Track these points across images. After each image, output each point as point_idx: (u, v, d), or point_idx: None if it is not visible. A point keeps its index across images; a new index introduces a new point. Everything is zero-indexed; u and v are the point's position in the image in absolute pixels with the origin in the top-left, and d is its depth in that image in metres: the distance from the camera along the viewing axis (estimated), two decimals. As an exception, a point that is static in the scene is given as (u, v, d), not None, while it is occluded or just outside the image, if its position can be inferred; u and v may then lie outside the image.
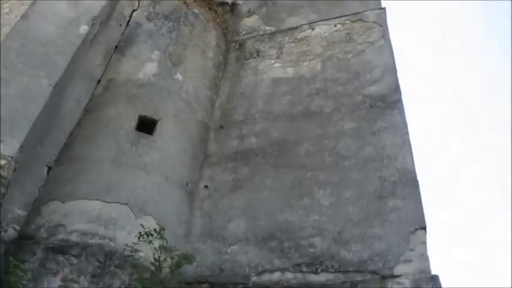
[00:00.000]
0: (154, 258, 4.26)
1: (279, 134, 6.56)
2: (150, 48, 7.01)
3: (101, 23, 6.40)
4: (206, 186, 6.29)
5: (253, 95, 7.37)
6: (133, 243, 4.56)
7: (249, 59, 8.15)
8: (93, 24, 5.45)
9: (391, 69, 6.69)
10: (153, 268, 4.29)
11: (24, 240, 4.74)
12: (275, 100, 7.12)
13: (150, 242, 4.24)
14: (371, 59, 7.03)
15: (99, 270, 4.43)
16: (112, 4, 6.69)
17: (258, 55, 8.14)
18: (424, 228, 4.81)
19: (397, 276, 4.49)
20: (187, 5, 8.03)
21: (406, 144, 5.66)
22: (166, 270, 4.36)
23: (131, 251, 4.49)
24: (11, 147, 4.01)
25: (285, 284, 4.86)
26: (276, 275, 5.00)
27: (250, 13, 9.38)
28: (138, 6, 7.96)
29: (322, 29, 8.01)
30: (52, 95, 4.67)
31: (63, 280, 4.32)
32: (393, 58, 6.87)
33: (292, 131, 6.51)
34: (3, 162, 3.90)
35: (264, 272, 5.08)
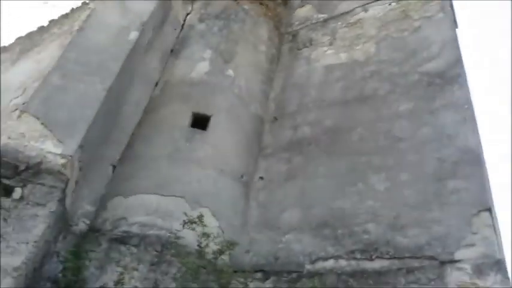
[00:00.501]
0: (198, 245, 4.40)
1: (331, 121, 6.42)
2: (202, 48, 7.26)
3: (153, 28, 6.76)
4: (261, 178, 6.36)
5: (306, 85, 7.29)
6: (176, 230, 4.79)
7: (301, 49, 8.07)
8: (143, 29, 5.79)
9: (451, 43, 6.21)
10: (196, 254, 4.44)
11: (92, 232, 5.19)
12: (328, 87, 6.97)
13: (193, 229, 4.39)
14: (428, 34, 6.58)
15: (156, 259, 4.70)
16: (164, 9, 7.03)
17: (311, 44, 8.02)
18: (489, 209, 4.41)
19: (457, 261, 4.17)
20: (238, 3, 8.18)
21: (469, 121, 5.22)
22: (210, 256, 4.49)
23: (175, 238, 4.70)
24: (69, 147, 4.42)
25: (339, 272, 4.74)
26: (330, 263, 4.90)
27: (303, 3, 9.27)
28: (191, 10, 8.30)
29: (376, 10, 7.67)
30: (107, 98, 5.06)
31: (124, 268, 4.65)
32: (454, 31, 6.38)
33: (345, 117, 6.33)
34: (63, 161, 4.31)
35: (317, 259, 5.01)
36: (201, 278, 4.77)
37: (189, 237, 5.04)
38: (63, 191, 4.31)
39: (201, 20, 7.84)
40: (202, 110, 6.41)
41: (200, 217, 4.48)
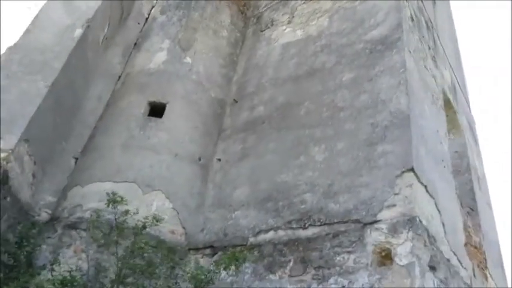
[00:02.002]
0: (117, 221, 4.66)
1: (283, 97, 6.51)
2: (161, 38, 7.48)
3: (110, 24, 7.02)
4: (219, 159, 6.54)
5: (265, 65, 7.39)
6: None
7: (264, 30, 8.15)
8: (88, 26, 6.03)
9: (394, 8, 6.16)
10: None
11: (52, 221, 5.55)
12: (283, 65, 7.05)
13: (115, 207, 4.64)
14: (376, 2, 6.53)
15: (102, 241, 5.00)
16: (121, 5, 7.25)
17: (272, 24, 8.09)
18: (411, 169, 4.43)
19: (376, 222, 4.24)
20: (199, -10, 8.31)
21: (402, 85, 5.21)
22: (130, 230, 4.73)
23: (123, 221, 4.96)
24: (9, 142, 4.76)
25: (276, 242, 4.90)
26: (270, 234, 5.06)
27: (269, -16, 9.30)
28: (156, 2, 8.51)
29: (332, -17, 7.63)
30: (51, 94, 5.37)
31: (75, 251, 4.99)
32: (398, -5, 6.29)
33: (295, 93, 6.41)
34: (3, 155, 4.66)
35: (260, 232, 5.17)
36: (152, 256, 5.06)
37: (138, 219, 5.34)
38: (6, 183, 4.66)
39: (162, 12, 8.05)
40: (159, 99, 6.65)
41: (121, 197, 4.71)
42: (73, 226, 5.27)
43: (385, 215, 4.27)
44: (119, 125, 6.38)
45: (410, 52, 5.84)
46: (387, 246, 4.00)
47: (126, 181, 5.73)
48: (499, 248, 7.70)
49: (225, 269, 4.40)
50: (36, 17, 5.86)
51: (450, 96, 7.84)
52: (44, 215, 5.67)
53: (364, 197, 4.56)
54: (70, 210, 5.56)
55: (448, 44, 10.24)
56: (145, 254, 4.71)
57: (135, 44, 7.77)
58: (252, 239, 5.18)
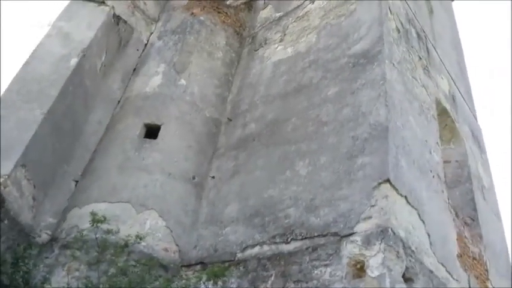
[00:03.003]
0: (98, 240, 4.83)
1: (273, 114, 6.64)
2: (157, 63, 7.78)
3: (108, 52, 7.38)
4: (213, 177, 6.69)
5: (258, 83, 7.56)
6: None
7: (258, 49, 8.35)
8: (83, 55, 6.38)
9: (377, 21, 6.25)
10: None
11: (51, 241, 5.80)
12: (274, 82, 7.20)
13: (98, 227, 4.82)
14: (360, 16, 6.66)
15: (95, 260, 5.18)
16: (118, 34, 7.61)
17: (266, 43, 8.28)
18: (387, 180, 4.46)
19: (352, 234, 4.27)
20: (194, 15, 8.63)
21: (381, 96, 5.27)
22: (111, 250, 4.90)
23: (116, 240, 5.15)
24: (6, 167, 5.06)
25: (261, 257, 4.97)
26: (256, 249, 5.13)
27: (265, 4, 9.55)
28: (155, 29, 8.87)
29: (321, 0, 7.80)
30: (48, 120, 5.68)
31: (68, 270, 5.20)
32: (380, 9, 6.39)
33: (284, 109, 6.54)
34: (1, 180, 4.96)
35: (247, 247, 5.26)
36: (143, 274, 5.22)
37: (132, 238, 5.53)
38: (2, 207, 4.94)
39: (159, 38, 8.39)
40: (153, 121, 6.90)
41: (104, 216, 4.90)
42: (68, 246, 5.49)
43: (361, 227, 4.30)
44: (115, 147, 6.64)
45: (393, 64, 5.90)
46: (361, 258, 4.02)
47: (120, 201, 5.94)
48: (507, 259, 7.48)
49: (204, 283, 4.48)
50: (35, 49, 6.25)
51: (447, 105, 7.79)
52: (44, 236, 5.92)
53: (343, 209, 4.60)
54: (67, 231, 5.80)
55: (450, 52, 10.20)
56: (134, 271, 4.84)
57: (134, 69, 8.10)
58: (239, 255, 5.27)
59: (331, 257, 4.26)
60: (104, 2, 7.20)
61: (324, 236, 4.55)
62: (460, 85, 9.70)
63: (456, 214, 6.39)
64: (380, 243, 3.97)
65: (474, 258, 6.10)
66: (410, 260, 4.14)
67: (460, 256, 5.61)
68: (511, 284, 7.05)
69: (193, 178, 6.61)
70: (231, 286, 4.91)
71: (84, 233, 5.36)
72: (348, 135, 5.25)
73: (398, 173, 4.68)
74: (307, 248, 4.57)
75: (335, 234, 4.46)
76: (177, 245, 5.96)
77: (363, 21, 6.51)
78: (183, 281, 5.38)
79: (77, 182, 6.58)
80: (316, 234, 4.64)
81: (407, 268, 4.05)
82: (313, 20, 7.59)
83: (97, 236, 5.15)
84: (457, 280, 5.11)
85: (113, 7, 7.33)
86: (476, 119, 9.74)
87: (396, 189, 4.51)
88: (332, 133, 5.48)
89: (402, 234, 4.25)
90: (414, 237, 4.52)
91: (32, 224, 5.85)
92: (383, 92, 5.29)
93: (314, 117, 5.93)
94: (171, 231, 6.00)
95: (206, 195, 6.53)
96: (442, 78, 8.24)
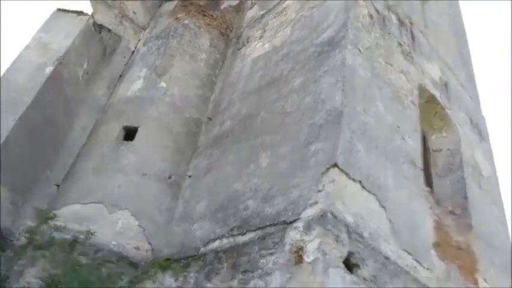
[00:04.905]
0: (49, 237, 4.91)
1: (246, 110, 6.60)
2: (140, 68, 7.92)
3: (91, 60, 7.60)
4: (189, 176, 6.70)
5: (238, 80, 7.54)
6: (88, 231, 5.35)
7: (241, 48, 8.35)
8: (60, 63, 6.59)
9: (343, 8, 6.11)
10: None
11: (27, 244, 5.96)
12: (251, 79, 7.17)
13: (48, 224, 4.90)
14: (330, 4, 6.53)
15: (63, 259, 5.29)
16: (89, 44, 7.76)
17: (248, 41, 8.28)
18: (335, 165, 4.30)
19: (295, 221, 4.14)
20: (179, 19, 8.76)
21: (339, 82, 5.11)
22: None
23: (85, 239, 5.25)
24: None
25: (219, 250, 4.89)
26: (216, 243, 5.07)
27: (252, 4, 9.57)
28: (142, 36, 9.07)
29: (298, -6, 7.73)
30: (21, 127, 5.90)
31: (39, 270, 5.32)
32: (348, -5, 6.25)
33: (256, 104, 6.48)
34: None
35: (209, 241, 5.20)
36: (114, 272, 5.28)
37: (101, 237, 5.62)
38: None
39: (144, 44, 8.56)
40: (132, 123, 7.00)
41: (54, 213, 4.98)
42: (40, 247, 5.62)
43: (307, 213, 4.15)
44: (94, 150, 6.79)
45: (359, 49, 5.73)
46: (301, 244, 3.87)
47: (93, 202, 6.04)
48: (509, 250, 7.00)
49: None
50: (14, 60, 6.53)
51: (436, 92, 7.47)
52: (23, 239, 6.09)
53: (294, 197, 4.47)
54: (42, 233, 5.93)
55: (449, 39, 9.84)
56: (89, 268, 4.89)
57: (120, 76, 8.29)
58: (202, 249, 5.21)
59: (276, 245, 4.14)
60: (82, 12, 7.42)
61: (275, 225, 4.43)
62: (460, 72, 9.31)
63: (437, 202, 6.08)
64: (317, 227, 3.81)
65: (459, 248, 5.76)
66: (357, 246, 3.95)
67: (437, 245, 5.30)
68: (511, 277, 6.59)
69: (170, 178, 6.64)
70: (190, 281, 4.85)
71: (55, 234, 5.51)
72: (307, 123, 5.12)
73: (351, 158, 4.50)
74: (258, 238, 4.46)
75: (284, 222, 4.34)
76: (149, 243, 5.98)
77: (331, 9, 6.39)
78: (151, 278, 5.40)
79: (58, 186, 6.76)
80: (268, 224, 4.52)
81: (352, 253, 3.87)
82: (290, 14, 7.52)
83: (68, 236, 5.28)
84: (428, 269, 4.82)
85: (92, 16, 7.55)
86: (479, 106, 9.29)
87: (347, 174, 4.33)
88: (294, 123, 5.36)
89: (350, 219, 4.07)
90: (369, 223, 4.31)
91: (11, 228, 6.04)
92: (341, 77, 5.13)
93: (280, 108, 5.83)
94: (144, 229, 6.02)
95: (182, 194, 6.53)
96: (431, 65, 7.93)
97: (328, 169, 4.32)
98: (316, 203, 4.16)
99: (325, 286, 3.46)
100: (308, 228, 3.91)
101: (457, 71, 9.06)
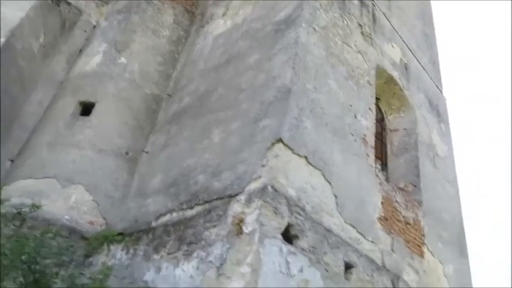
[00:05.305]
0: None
1: (204, 87, 6.59)
2: (100, 43, 7.78)
3: (49, 33, 7.41)
4: (146, 152, 6.69)
5: (200, 58, 7.50)
6: (37, 206, 5.30)
7: (204, 26, 8.28)
8: (12, 34, 6.42)
9: (301, -14, 6.10)
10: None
11: (-21, 219, 5.89)
12: (211, 56, 7.14)
13: None
14: (290, -17, 6.50)
15: (11, 232, 5.25)
16: (45, 16, 7.54)
17: (212, 19, 8.20)
18: (280, 140, 4.37)
19: (238, 194, 4.21)
20: (142, -6, 8.58)
21: (291, 59, 5.16)
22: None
23: (34, 213, 5.22)
24: None
25: (169, 224, 4.95)
26: (167, 217, 5.12)
27: (219, -19, 9.43)
28: (105, 11, 8.87)
29: (262, -29, 7.66)
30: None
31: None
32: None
33: (214, 80, 6.48)
34: None
35: (160, 216, 5.25)
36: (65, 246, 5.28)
37: (54, 211, 5.60)
38: None
39: (106, 18, 8.38)
40: (89, 98, 6.91)
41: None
42: (-10, 222, 5.57)
43: (251, 187, 4.23)
44: (49, 125, 6.69)
45: (314, 28, 5.77)
46: (242, 216, 3.96)
47: (46, 177, 5.99)
48: (460, 226, 7.30)
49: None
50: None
51: (394, 73, 7.60)
52: (-26, 216, 6.01)
53: (240, 172, 4.54)
54: (-7, 208, 5.88)
55: (414, 22, 9.96)
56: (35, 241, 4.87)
57: (81, 50, 8.13)
58: (153, 223, 5.26)
59: (220, 218, 4.22)
60: (38, -16, 7.21)
61: (222, 198, 4.50)
62: (423, 55, 9.48)
63: (391, 180, 6.27)
64: (258, 200, 3.90)
65: (407, 223, 5.97)
66: (296, 218, 4.06)
67: (384, 219, 5.49)
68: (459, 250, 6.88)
69: (127, 153, 6.61)
70: (139, 253, 4.90)
71: (6, 208, 5.44)
72: (259, 100, 5.17)
73: (297, 134, 4.59)
74: (204, 212, 4.53)
75: (229, 196, 4.41)
76: (104, 218, 5.99)
77: (291, -13, 6.37)
78: (103, 251, 5.43)
79: (12, 161, 6.66)
80: (215, 198, 4.59)
81: (291, 225, 3.98)
82: (254, -9, 7.47)
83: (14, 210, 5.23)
84: (372, 242, 5.00)
85: (48, -12, 7.34)
86: (440, 88, 9.50)
87: (291, 149, 4.42)
88: (247, 99, 5.40)
89: (292, 192, 4.17)
90: (312, 197, 4.43)
91: (-37, 203, 5.94)
92: (293, 55, 5.18)
93: (236, 85, 5.85)
94: (98, 204, 6.02)
95: (139, 169, 6.53)
96: (392, 46, 8.04)
97: (273, 144, 4.39)
98: (259, 177, 4.24)
99: (261, 255, 3.56)
100: (249, 201, 4.00)
101: (420, 53, 9.21)
